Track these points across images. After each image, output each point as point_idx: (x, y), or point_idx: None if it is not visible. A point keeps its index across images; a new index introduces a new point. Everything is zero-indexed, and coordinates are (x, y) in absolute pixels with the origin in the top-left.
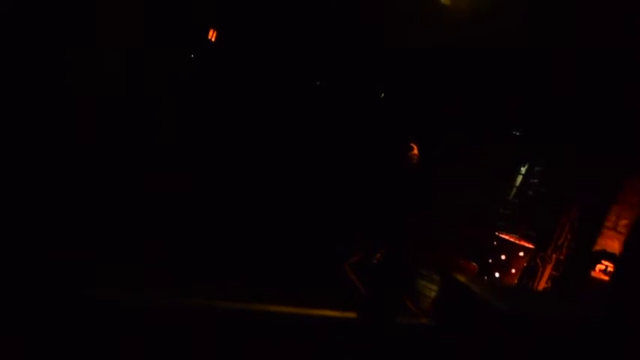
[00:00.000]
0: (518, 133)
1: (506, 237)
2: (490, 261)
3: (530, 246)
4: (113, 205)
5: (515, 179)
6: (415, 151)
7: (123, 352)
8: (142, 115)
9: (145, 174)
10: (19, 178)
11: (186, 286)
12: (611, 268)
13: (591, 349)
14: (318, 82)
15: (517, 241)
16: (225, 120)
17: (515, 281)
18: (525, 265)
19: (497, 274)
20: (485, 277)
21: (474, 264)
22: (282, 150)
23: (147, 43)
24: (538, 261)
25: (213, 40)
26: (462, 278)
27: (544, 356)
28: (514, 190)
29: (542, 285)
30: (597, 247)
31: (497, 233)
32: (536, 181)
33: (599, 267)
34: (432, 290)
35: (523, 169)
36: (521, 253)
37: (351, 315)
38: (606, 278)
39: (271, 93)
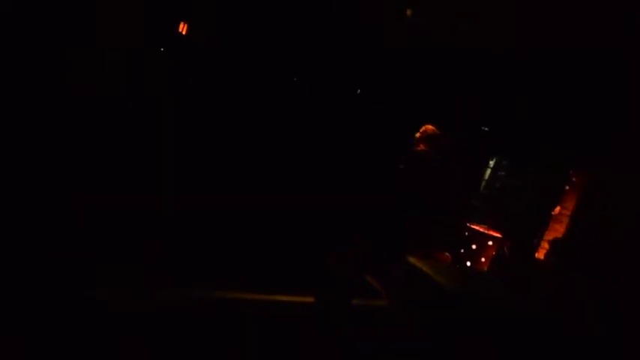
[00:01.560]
0: (487, 129)
1: (477, 227)
2: (462, 251)
3: (498, 235)
4: (113, 205)
5: (484, 173)
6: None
7: (123, 352)
8: (140, 114)
9: (143, 173)
10: (19, 179)
11: (186, 286)
12: None
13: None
14: (295, 78)
15: (486, 231)
16: (214, 118)
17: (485, 269)
18: (494, 253)
19: (468, 263)
20: (457, 267)
21: (447, 254)
22: (269, 147)
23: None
24: (505, 249)
25: (184, 33)
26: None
27: (480, 328)
28: (483, 182)
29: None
30: (557, 235)
31: (468, 224)
32: (503, 173)
33: None
34: None
35: (492, 163)
36: (490, 243)
37: (309, 299)
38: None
39: (254, 89)
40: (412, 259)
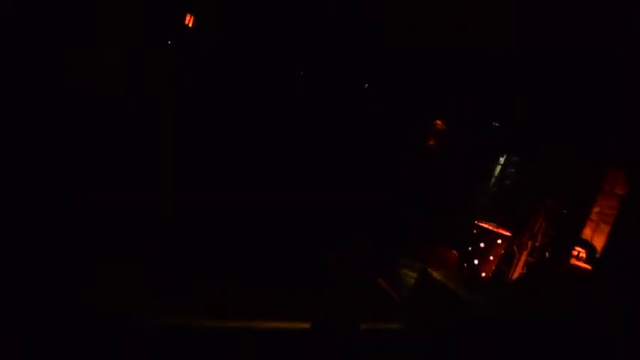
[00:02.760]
0: (497, 124)
1: (485, 225)
2: (470, 249)
3: (508, 234)
4: (113, 205)
5: (494, 169)
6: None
7: (122, 353)
8: (139, 112)
9: (143, 173)
10: (19, 179)
11: (186, 286)
12: (583, 254)
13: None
14: (302, 72)
15: (495, 229)
16: (213, 115)
17: (493, 268)
18: (503, 252)
19: (476, 262)
20: (465, 265)
21: (454, 252)
22: (272, 144)
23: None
24: (515, 248)
25: (190, 25)
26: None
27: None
28: (493, 179)
29: (518, 270)
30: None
31: (476, 222)
32: (513, 170)
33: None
34: (412, 278)
35: (502, 159)
36: (499, 241)
37: (304, 325)
38: (579, 263)
39: (254, 82)
40: (433, 273)
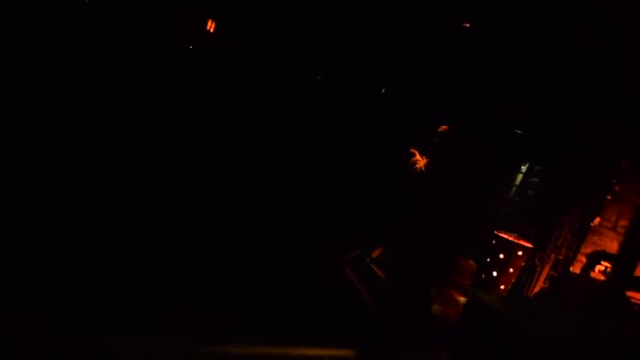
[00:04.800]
0: (520, 132)
1: (505, 236)
2: (488, 260)
3: (529, 245)
4: (113, 205)
5: (515, 178)
6: (417, 157)
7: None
8: (141, 112)
9: (144, 174)
10: (19, 179)
11: (185, 286)
12: (610, 269)
13: None
14: (319, 77)
15: (516, 241)
16: (224, 115)
17: (513, 280)
18: (524, 264)
19: (494, 273)
20: (483, 276)
21: (472, 262)
22: (283, 146)
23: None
24: (537, 261)
25: (211, 31)
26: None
27: None
28: (514, 188)
29: (539, 285)
30: (596, 248)
31: (496, 232)
32: (536, 180)
33: (598, 267)
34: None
35: (524, 168)
36: (520, 253)
37: (348, 353)
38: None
39: (271, 87)
40: (489, 301)
